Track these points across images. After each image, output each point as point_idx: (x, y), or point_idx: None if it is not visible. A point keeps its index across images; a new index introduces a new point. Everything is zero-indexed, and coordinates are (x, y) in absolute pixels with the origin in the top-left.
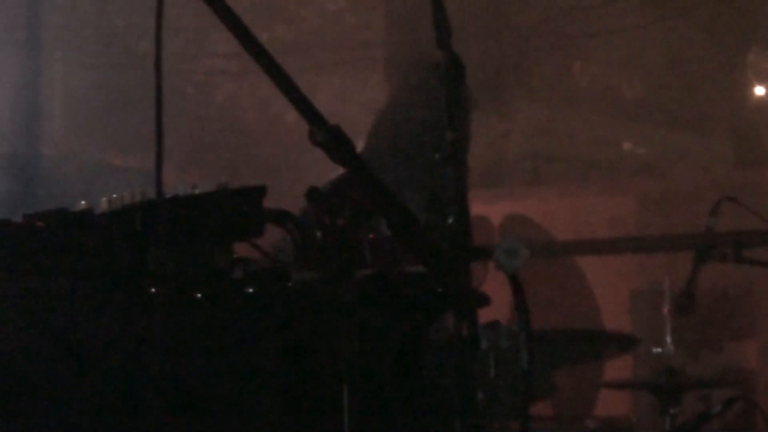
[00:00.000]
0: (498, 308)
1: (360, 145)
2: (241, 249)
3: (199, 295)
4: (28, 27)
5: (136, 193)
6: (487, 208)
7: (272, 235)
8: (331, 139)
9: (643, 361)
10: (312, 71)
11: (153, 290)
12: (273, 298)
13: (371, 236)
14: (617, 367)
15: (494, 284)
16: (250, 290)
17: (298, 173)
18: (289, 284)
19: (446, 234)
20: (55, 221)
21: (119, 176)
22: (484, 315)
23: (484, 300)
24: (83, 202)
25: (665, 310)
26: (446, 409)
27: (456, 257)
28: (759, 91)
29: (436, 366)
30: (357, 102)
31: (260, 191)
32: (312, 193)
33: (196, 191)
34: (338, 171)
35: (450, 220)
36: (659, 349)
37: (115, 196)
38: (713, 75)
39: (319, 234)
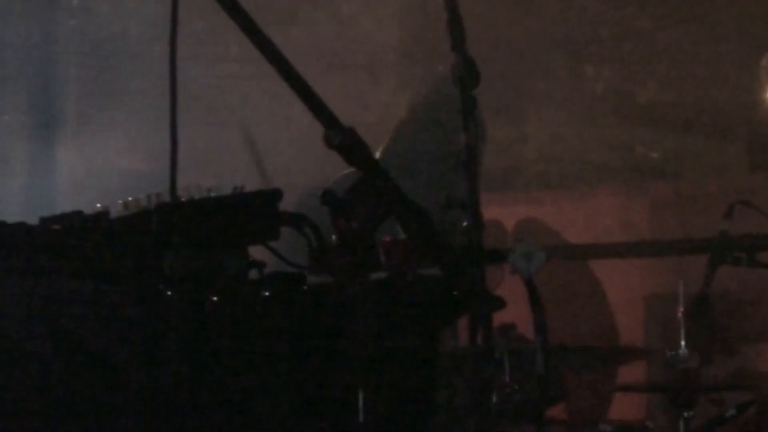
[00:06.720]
0: (513, 311)
1: (375, 148)
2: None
3: (214, 298)
4: (43, 31)
5: (151, 197)
6: (501, 212)
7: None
8: (346, 141)
9: (657, 365)
10: (326, 74)
11: (169, 293)
12: (288, 301)
13: (386, 239)
14: (631, 371)
15: (509, 287)
16: (266, 293)
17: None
18: (305, 287)
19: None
20: (71, 224)
21: (132, 180)
22: (499, 317)
23: (498, 303)
24: (99, 206)
25: (679, 313)
26: (460, 411)
27: (471, 260)
28: None
29: (450, 369)
30: (371, 105)
31: (276, 195)
32: (326, 196)
33: (212, 195)
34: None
35: (465, 223)
36: (673, 353)
37: (131, 199)
38: (726, 79)
39: (334, 237)
